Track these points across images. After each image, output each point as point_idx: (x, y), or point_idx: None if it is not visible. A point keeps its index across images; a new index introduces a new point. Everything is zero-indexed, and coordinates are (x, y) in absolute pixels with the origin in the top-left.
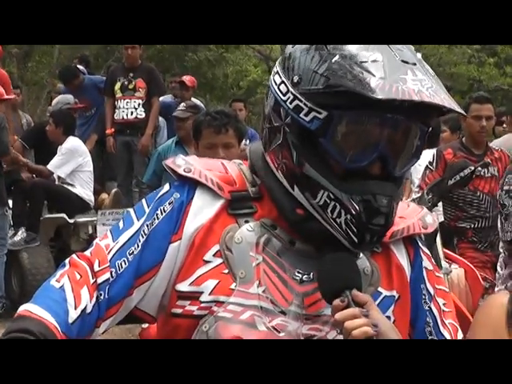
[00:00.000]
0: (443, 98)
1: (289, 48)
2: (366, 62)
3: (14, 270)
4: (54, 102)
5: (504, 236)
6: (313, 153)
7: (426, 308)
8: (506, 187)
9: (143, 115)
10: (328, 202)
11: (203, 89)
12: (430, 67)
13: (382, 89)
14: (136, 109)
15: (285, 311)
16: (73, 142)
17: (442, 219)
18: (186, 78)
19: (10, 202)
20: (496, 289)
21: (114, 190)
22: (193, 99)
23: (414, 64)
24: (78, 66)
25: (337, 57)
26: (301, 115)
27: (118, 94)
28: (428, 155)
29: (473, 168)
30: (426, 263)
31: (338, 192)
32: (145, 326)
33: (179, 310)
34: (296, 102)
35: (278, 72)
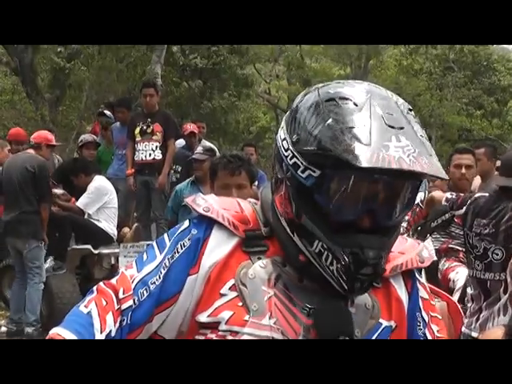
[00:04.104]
0: (423, 164)
1: (295, 103)
2: (354, 127)
3: (42, 295)
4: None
5: (473, 273)
6: (309, 206)
7: (421, 334)
8: (475, 229)
9: (160, 157)
10: (322, 250)
11: (217, 133)
12: (423, 119)
13: (365, 156)
14: (154, 151)
15: None
16: (100, 182)
17: None
18: (191, 127)
19: None
20: (465, 320)
21: (134, 226)
22: (207, 143)
23: (401, 128)
24: (106, 112)
25: (330, 120)
26: (298, 172)
27: (138, 138)
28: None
29: (453, 213)
30: (422, 293)
31: (330, 243)
32: None
33: (202, 337)
34: (294, 159)
35: (283, 127)
